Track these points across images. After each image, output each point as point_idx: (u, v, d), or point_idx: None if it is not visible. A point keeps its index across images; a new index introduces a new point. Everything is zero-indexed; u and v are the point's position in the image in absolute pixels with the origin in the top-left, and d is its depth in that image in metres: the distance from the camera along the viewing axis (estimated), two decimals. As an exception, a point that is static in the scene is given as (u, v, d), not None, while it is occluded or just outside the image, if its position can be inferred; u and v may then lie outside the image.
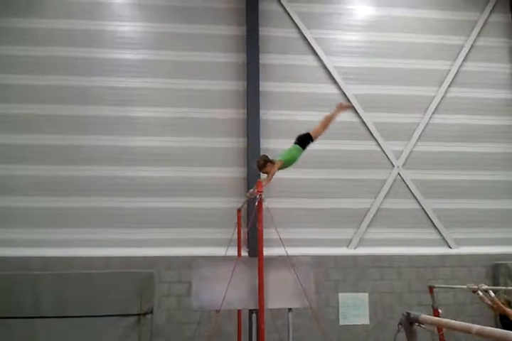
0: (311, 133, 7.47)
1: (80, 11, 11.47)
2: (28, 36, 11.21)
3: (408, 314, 4.36)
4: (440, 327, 8.01)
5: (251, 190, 6.95)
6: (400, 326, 4.47)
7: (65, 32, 11.33)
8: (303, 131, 7.48)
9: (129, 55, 11.48)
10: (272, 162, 7.10)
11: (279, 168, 7.16)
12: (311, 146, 11.36)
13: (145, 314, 9.21)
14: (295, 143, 7.42)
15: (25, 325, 8.74)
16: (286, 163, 7.27)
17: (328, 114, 7.77)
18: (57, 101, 11.09)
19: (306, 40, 11.94)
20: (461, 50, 12.44)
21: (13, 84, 11.03)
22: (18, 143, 10.86)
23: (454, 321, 3.89)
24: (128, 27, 11.62)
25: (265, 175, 7.12)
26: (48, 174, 10.80)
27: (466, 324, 3.62)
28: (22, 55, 11.14)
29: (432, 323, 4.28)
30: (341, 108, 8.10)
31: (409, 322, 4.34)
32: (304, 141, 7.44)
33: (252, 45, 11.57)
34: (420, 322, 4.26)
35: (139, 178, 11.01)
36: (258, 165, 7.11)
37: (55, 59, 11.21)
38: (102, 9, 11.57)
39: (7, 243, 10.31)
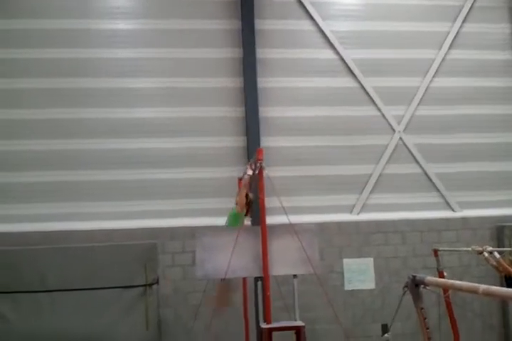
0: None
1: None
2: (24, 10, 10.92)
3: (414, 276, 4.36)
4: (446, 289, 8.07)
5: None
6: (405, 289, 4.47)
7: (60, 2, 11.05)
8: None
9: (122, 24, 11.24)
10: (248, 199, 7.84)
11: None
12: (311, 113, 11.38)
13: (151, 284, 9.23)
14: None
15: (31, 299, 8.77)
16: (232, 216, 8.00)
17: None
18: (54, 74, 10.87)
19: (302, 4, 11.68)
20: (460, 11, 12.16)
21: (11, 59, 10.80)
22: (17, 118, 10.72)
23: (459, 282, 3.87)
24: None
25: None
26: (47, 148, 10.69)
27: (473, 284, 3.60)
28: (18, 29, 10.85)
29: (438, 285, 4.28)
30: None
31: (415, 285, 4.34)
32: None
33: (247, 10, 11.31)
34: (426, 284, 4.25)
35: (139, 150, 10.92)
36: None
37: (50, 31, 10.93)
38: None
39: (9, 219, 10.30)
